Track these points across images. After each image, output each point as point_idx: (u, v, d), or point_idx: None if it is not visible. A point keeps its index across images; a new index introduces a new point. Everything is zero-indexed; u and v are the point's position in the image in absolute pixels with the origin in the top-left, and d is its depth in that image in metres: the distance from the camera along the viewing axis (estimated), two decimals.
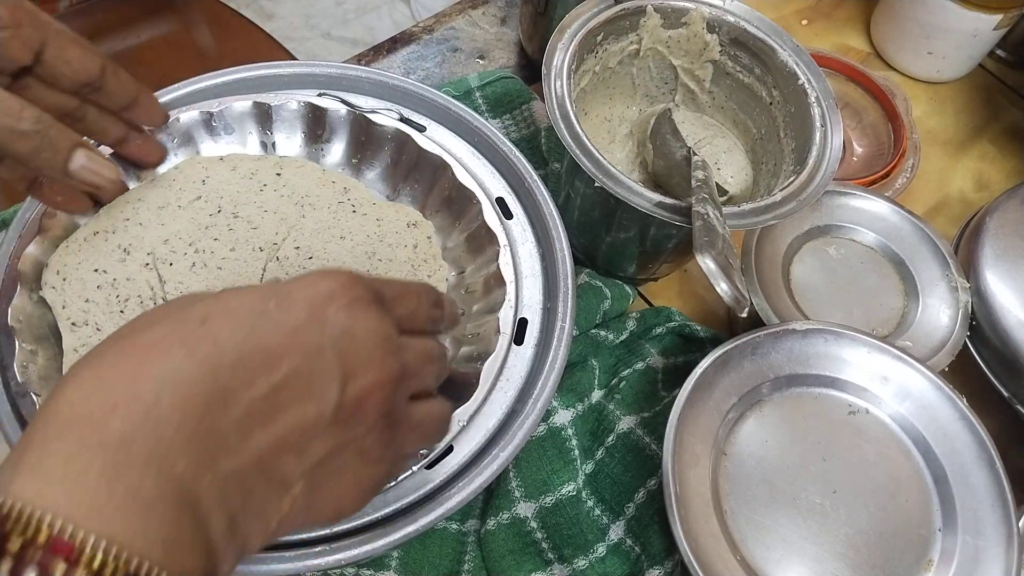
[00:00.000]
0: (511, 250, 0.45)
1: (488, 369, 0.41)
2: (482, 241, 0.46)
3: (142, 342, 0.24)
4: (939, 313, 0.53)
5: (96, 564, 0.19)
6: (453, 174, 0.47)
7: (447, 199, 0.47)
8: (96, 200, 0.42)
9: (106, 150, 0.43)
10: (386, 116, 0.48)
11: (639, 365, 0.52)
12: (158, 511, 0.21)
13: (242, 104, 0.47)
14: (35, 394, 0.38)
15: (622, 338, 0.53)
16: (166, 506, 0.22)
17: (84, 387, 0.22)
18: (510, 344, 0.43)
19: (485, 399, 0.41)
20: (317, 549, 0.36)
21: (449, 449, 0.39)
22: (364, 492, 0.29)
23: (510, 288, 0.44)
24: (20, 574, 0.19)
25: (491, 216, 0.46)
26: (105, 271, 0.41)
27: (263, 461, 0.24)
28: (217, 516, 0.23)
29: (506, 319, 0.43)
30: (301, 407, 0.25)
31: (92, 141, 0.41)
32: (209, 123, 0.47)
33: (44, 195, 0.40)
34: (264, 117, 0.47)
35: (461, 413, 0.40)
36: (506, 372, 0.42)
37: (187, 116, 0.46)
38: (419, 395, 0.31)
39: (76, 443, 0.21)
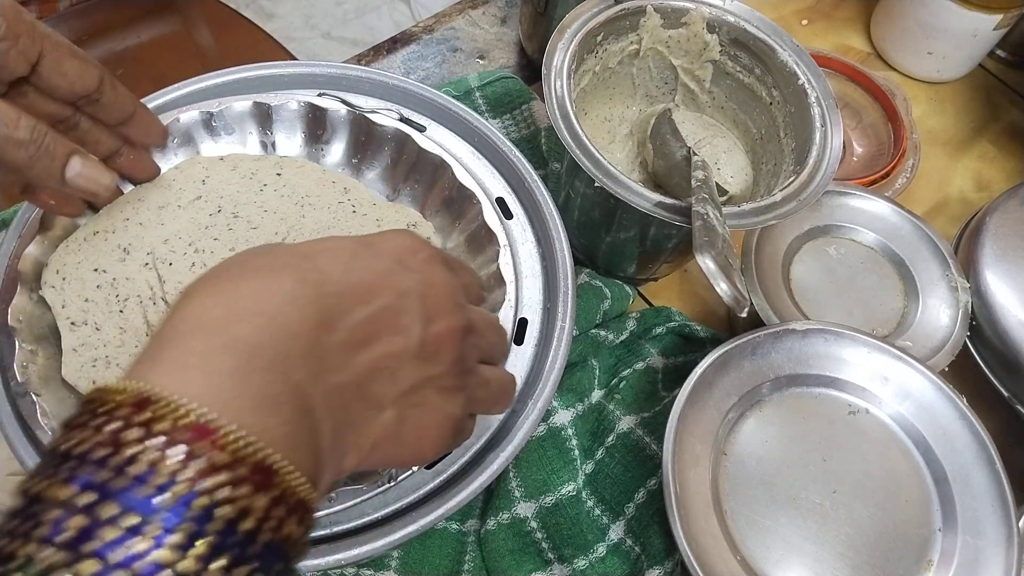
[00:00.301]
0: (511, 250, 0.45)
1: None
2: (482, 241, 0.46)
3: (256, 266, 0.26)
4: (939, 313, 0.53)
5: (234, 449, 0.21)
6: (453, 174, 0.47)
7: (447, 199, 0.47)
8: (91, 204, 0.42)
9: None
10: (386, 116, 0.48)
11: (639, 365, 0.52)
12: (283, 411, 0.23)
13: (242, 104, 0.47)
14: (35, 394, 0.38)
15: (622, 338, 0.53)
16: (289, 407, 0.24)
17: (211, 299, 0.25)
18: (510, 344, 0.43)
19: None
20: (317, 549, 0.36)
21: None
22: (441, 434, 0.30)
23: (510, 288, 0.44)
24: (167, 453, 0.20)
25: (491, 216, 0.46)
26: (105, 271, 0.41)
27: (361, 380, 0.27)
28: (325, 424, 0.25)
29: (506, 319, 0.43)
30: (391, 338, 0.28)
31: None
32: (209, 123, 0.46)
33: (38, 198, 0.40)
34: (264, 117, 0.47)
35: None
36: None
37: (187, 116, 0.46)
38: (485, 362, 0.33)
39: (210, 343, 0.23)
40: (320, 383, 0.25)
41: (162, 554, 0.19)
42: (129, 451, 0.20)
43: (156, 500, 0.20)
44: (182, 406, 0.21)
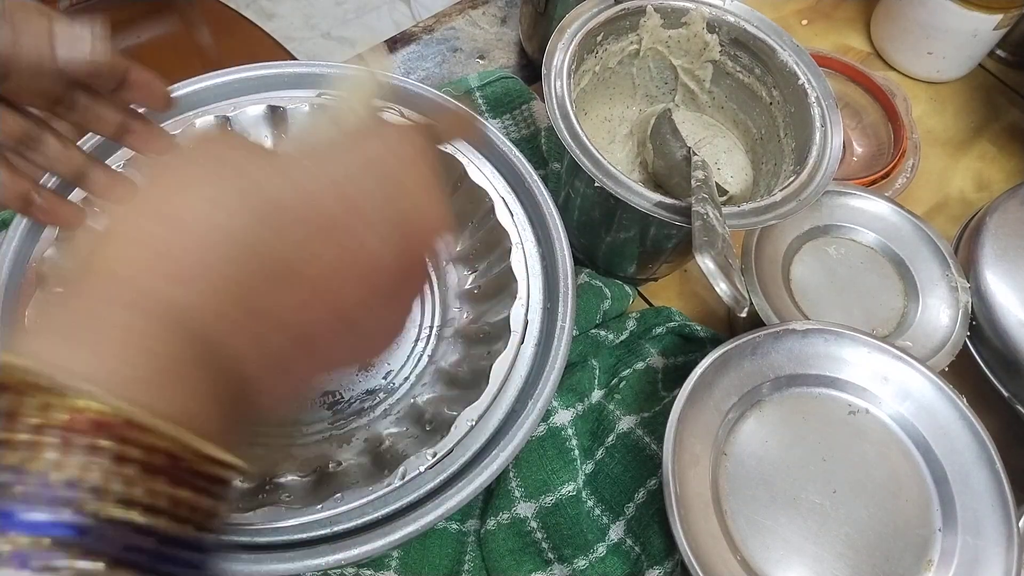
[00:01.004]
0: (523, 248, 0.45)
1: (498, 368, 0.41)
2: (494, 239, 0.46)
3: (191, 202, 0.23)
4: (939, 313, 0.53)
5: (150, 440, 0.19)
6: (465, 172, 0.47)
7: (460, 198, 0.47)
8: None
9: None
10: (388, 116, 0.48)
11: (639, 365, 0.52)
12: (199, 388, 0.22)
13: (256, 108, 0.47)
14: None
15: (622, 338, 0.53)
16: (207, 383, 0.22)
17: (132, 249, 0.22)
18: (520, 343, 0.43)
19: (495, 399, 0.41)
20: (317, 549, 0.36)
21: (450, 450, 0.39)
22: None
23: (521, 286, 0.44)
24: (96, 454, 0.19)
25: (503, 214, 0.46)
26: None
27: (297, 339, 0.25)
28: (237, 389, 0.23)
29: (517, 317, 0.43)
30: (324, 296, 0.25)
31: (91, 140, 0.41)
32: (224, 127, 0.47)
33: (34, 213, 0.40)
34: (279, 120, 0.47)
35: (471, 413, 0.40)
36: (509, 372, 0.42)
37: (202, 121, 0.46)
38: None
39: (130, 308, 0.21)
40: (239, 350, 0.23)
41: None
42: (28, 450, 0.18)
43: (73, 519, 0.18)
44: (114, 406, 0.19)
